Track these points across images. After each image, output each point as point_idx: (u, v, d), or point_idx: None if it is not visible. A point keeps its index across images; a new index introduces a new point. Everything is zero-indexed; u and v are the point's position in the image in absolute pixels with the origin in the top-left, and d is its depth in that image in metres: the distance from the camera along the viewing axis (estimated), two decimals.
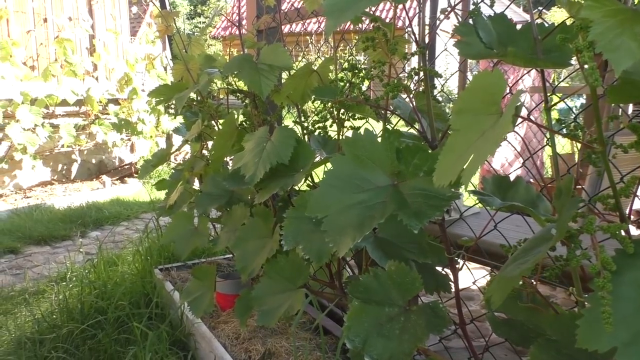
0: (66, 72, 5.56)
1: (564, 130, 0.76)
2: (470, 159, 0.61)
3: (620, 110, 2.34)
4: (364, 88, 1.27)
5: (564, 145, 4.20)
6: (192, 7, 35.50)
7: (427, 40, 1.03)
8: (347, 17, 0.75)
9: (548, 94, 0.90)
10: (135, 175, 6.45)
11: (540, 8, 1.38)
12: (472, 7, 0.88)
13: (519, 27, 0.85)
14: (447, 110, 1.28)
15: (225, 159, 1.83)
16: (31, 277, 2.98)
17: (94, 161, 6.25)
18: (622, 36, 0.53)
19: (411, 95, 1.04)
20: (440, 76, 1.01)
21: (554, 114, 5.88)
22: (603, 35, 0.54)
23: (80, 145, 5.85)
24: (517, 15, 11.27)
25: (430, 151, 0.83)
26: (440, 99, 1.33)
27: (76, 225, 4.12)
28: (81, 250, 3.27)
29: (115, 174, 6.38)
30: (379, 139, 0.85)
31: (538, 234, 0.78)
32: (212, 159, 1.71)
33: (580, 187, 1.22)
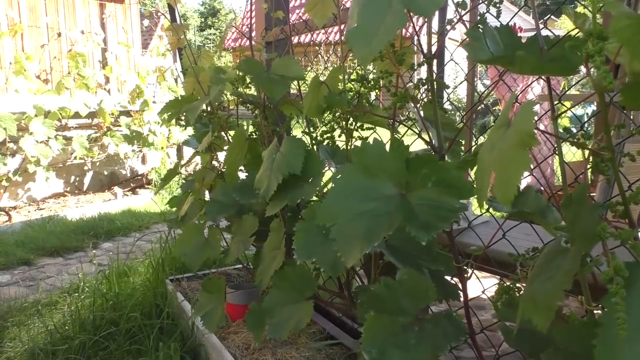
0: (79, 85, 5.63)
1: (573, 138, 0.76)
2: (498, 175, 0.61)
3: (631, 116, 2.32)
4: (372, 97, 1.27)
5: (575, 153, 4.17)
6: (202, 20, 35.86)
7: (435, 49, 1.04)
8: (376, 45, 0.67)
9: (555, 102, 0.90)
10: (147, 186, 6.49)
11: (547, 17, 1.38)
12: (478, 17, 0.89)
13: (529, 34, 0.85)
14: (457, 119, 1.29)
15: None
16: (44, 289, 3.01)
17: (106, 173, 6.31)
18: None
19: (419, 105, 1.05)
20: (448, 87, 1.01)
21: (565, 122, 5.84)
22: (624, 31, 0.54)
23: (93, 157, 5.91)
24: (527, 22, 11.25)
25: (439, 162, 0.83)
26: (449, 107, 1.33)
27: (88, 236, 4.15)
28: (93, 261, 3.29)
29: (127, 185, 6.43)
30: (389, 149, 0.86)
31: (550, 247, 0.77)
32: (227, 173, 1.72)
33: (589, 194, 1.22)
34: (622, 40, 0.54)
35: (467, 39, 0.82)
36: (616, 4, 0.56)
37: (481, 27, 0.84)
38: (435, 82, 0.96)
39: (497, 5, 0.89)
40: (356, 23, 0.71)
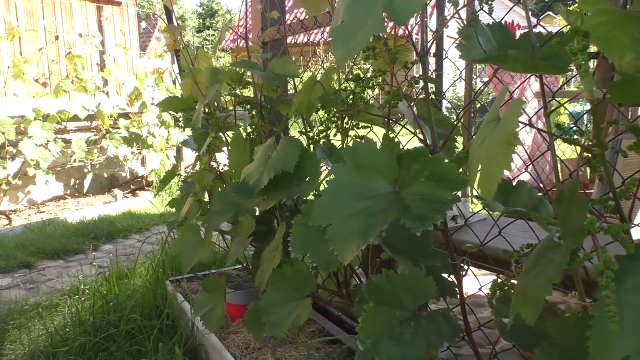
0: (77, 87, 5.64)
1: (567, 135, 0.77)
2: (483, 170, 0.61)
3: (629, 111, 2.33)
4: (371, 95, 1.28)
5: (573, 150, 4.17)
6: (200, 20, 35.89)
7: (433, 47, 1.04)
8: (354, 47, 0.68)
9: (549, 99, 0.90)
10: (146, 188, 6.50)
11: (545, 14, 1.38)
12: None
13: (525, 31, 0.85)
14: (454, 117, 1.29)
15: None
16: (45, 291, 3.01)
17: (105, 175, 6.32)
18: (616, 30, 0.54)
19: (412, 104, 1.05)
20: (439, 84, 1.02)
21: (565, 118, 5.84)
22: (598, 28, 0.55)
23: (92, 159, 5.92)
24: (524, 19, 11.22)
25: (430, 155, 0.83)
26: (449, 105, 1.34)
27: (89, 238, 4.16)
28: (94, 263, 3.30)
29: (127, 187, 6.43)
30: (380, 147, 0.86)
31: (543, 242, 0.77)
32: (234, 177, 1.71)
33: (585, 191, 1.22)
34: (595, 37, 0.54)
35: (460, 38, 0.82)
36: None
37: (473, 25, 0.84)
38: (428, 80, 0.96)
39: (489, 2, 0.89)
40: (341, 21, 0.71)
